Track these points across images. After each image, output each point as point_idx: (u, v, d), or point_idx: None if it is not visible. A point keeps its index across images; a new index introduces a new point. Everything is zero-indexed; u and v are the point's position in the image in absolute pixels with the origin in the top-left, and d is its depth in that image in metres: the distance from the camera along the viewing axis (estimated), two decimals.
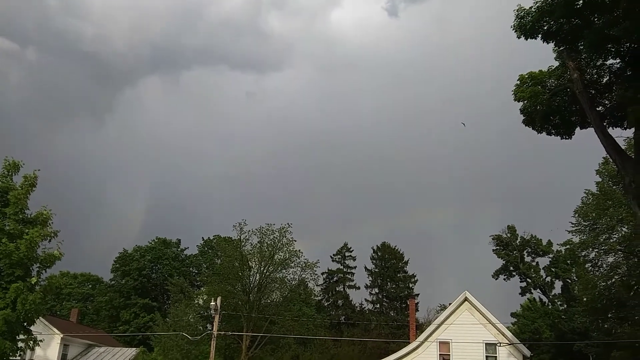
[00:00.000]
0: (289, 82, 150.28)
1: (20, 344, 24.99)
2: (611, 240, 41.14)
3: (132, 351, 44.92)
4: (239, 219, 52.70)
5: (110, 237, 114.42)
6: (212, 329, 31.21)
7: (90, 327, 53.28)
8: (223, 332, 35.80)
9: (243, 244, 45.88)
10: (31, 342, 25.37)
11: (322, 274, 65.77)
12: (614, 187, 40.52)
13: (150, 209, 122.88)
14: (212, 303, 30.79)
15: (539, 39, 20.69)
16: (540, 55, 24.03)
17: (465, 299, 33.26)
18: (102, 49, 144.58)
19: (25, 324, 24.14)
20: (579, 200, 44.43)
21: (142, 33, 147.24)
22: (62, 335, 40.78)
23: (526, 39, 20.72)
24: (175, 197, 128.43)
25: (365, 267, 68.11)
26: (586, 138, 23.14)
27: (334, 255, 69.24)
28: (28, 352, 29.15)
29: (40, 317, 28.21)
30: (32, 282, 23.84)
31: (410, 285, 66.58)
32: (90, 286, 73.77)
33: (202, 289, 58.34)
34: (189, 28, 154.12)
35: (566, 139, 23.86)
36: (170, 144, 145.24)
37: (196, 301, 51.73)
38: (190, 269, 71.94)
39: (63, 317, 53.80)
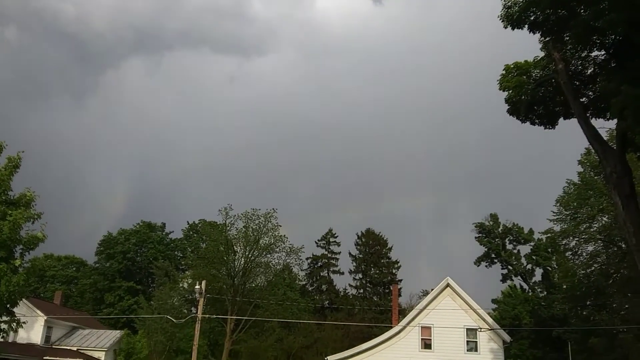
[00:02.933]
0: (272, 67, 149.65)
1: (3, 326, 24.99)
2: (591, 230, 41.83)
3: (116, 333, 44.98)
4: (222, 203, 52.83)
5: (94, 220, 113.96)
6: (197, 312, 31.33)
7: (74, 310, 53.17)
8: (207, 316, 35.96)
9: (228, 228, 45.95)
10: (14, 324, 25.29)
11: (307, 259, 66.18)
12: (596, 177, 41.10)
13: (134, 191, 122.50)
14: (196, 287, 30.85)
15: (525, 29, 20.79)
16: (526, 46, 24.24)
17: (447, 285, 33.70)
18: (83, 29, 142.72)
19: (8, 305, 24.06)
20: (560, 189, 45.11)
21: (123, 14, 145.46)
22: (45, 318, 40.69)
23: (513, 29, 20.79)
24: (158, 180, 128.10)
25: (350, 253, 68.62)
26: (569, 128, 23.48)
27: (318, 240, 69.59)
28: (11, 333, 29.09)
29: (23, 299, 28.15)
30: (16, 264, 23.71)
31: (394, 271, 67.12)
32: (74, 269, 73.42)
33: (186, 272, 58.46)
34: (171, 10, 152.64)
35: (550, 129, 24.09)
36: (153, 126, 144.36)
37: (181, 285, 51.85)
38: (175, 252, 71.86)
39: (47, 299, 53.60)
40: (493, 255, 62.33)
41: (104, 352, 42.39)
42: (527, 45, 23.65)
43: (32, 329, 39.54)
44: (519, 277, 61.99)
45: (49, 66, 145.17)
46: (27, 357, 37.31)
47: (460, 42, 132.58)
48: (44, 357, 38.89)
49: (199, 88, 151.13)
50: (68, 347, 42.04)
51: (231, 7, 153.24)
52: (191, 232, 73.04)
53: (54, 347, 41.68)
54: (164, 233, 71.94)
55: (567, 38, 20.56)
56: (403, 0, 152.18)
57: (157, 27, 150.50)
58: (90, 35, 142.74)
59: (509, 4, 20.49)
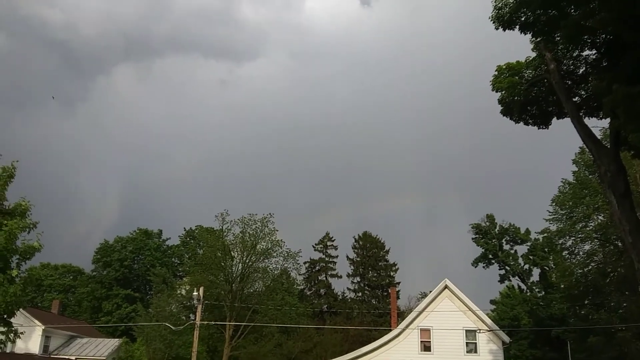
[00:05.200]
0: (263, 71, 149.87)
1: (0, 337, 24.88)
2: (587, 229, 41.98)
3: (114, 342, 44.85)
4: (218, 209, 52.82)
5: (90, 228, 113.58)
6: (195, 319, 31.29)
7: (72, 319, 52.99)
8: (206, 322, 35.98)
9: (225, 234, 45.89)
10: (12, 334, 25.20)
11: (304, 263, 66.02)
12: (590, 176, 41.24)
13: (129, 198, 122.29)
14: (194, 293, 30.84)
15: (516, 30, 20.87)
16: (516, 45, 24.36)
17: (446, 287, 33.71)
18: (71, 36, 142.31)
19: (5, 316, 23.99)
20: (555, 188, 45.27)
21: (112, 20, 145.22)
22: (43, 327, 40.57)
23: (504, 29, 20.85)
24: (153, 186, 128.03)
25: (347, 256, 68.60)
26: (563, 128, 23.56)
27: (315, 244, 69.53)
28: (9, 344, 28.95)
29: (20, 309, 28.05)
30: (12, 274, 23.64)
31: (392, 273, 67.07)
32: (71, 277, 73.18)
33: (184, 279, 58.30)
34: (161, 15, 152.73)
35: (543, 128, 24.18)
36: (145, 132, 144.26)
37: (179, 291, 51.71)
38: (173, 259, 71.72)
39: (44, 308, 53.44)
40: (490, 256, 62.34)
41: None
42: (519, 46, 23.76)
43: (30, 339, 39.39)
44: (517, 278, 62.05)
45: (37, 73, 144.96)
46: None
47: (451, 44, 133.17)
48: None
49: (191, 94, 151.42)
50: (66, 357, 41.92)
51: (220, 12, 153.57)
52: (188, 239, 72.92)
53: (52, 356, 41.54)
54: (160, 240, 71.78)
55: (558, 38, 20.62)
56: (390, 1, 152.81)
57: (147, 33, 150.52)
58: (79, 42, 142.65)
59: (500, 5, 20.55)
